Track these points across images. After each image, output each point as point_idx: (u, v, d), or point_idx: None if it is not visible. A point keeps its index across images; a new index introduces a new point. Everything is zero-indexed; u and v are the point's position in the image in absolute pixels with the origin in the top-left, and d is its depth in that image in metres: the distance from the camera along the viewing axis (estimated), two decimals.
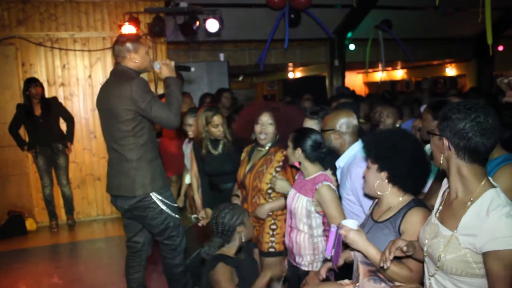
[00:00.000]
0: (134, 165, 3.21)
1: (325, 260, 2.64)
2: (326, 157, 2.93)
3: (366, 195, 2.47)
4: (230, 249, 2.85)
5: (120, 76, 3.18)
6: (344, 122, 2.94)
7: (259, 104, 3.58)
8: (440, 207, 1.91)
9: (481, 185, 1.72)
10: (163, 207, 3.27)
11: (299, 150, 2.85)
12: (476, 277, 1.71)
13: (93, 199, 6.90)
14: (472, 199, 1.72)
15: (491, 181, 1.76)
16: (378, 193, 2.25)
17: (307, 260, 2.87)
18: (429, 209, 2.17)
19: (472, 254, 1.69)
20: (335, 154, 3.09)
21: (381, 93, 8.81)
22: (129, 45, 3.20)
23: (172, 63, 3.28)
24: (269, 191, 3.23)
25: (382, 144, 2.22)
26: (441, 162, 1.80)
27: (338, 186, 2.93)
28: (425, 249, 1.89)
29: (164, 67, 3.23)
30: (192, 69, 3.44)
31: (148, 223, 3.33)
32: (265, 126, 3.26)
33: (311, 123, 3.19)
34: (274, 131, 3.28)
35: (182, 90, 3.30)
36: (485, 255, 1.64)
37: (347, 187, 2.80)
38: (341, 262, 2.39)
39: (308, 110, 3.34)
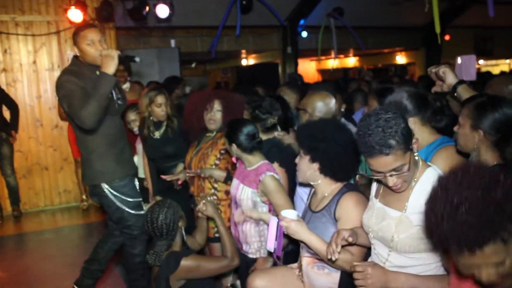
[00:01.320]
0: (86, 157, 3.25)
1: (269, 253, 2.65)
2: (262, 146, 2.88)
3: (302, 184, 2.49)
4: (175, 247, 2.70)
5: (67, 67, 3.15)
6: (316, 106, 2.84)
7: (207, 92, 3.57)
8: (381, 191, 1.99)
9: (421, 166, 1.88)
10: (112, 197, 3.24)
11: (234, 146, 2.83)
12: (429, 252, 1.82)
13: (40, 189, 6.68)
14: (415, 179, 1.86)
15: (428, 163, 1.94)
16: (311, 182, 2.30)
17: (254, 248, 2.90)
18: (361, 192, 2.24)
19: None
20: (281, 146, 3.06)
21: (335, 81, 8.89)
22: (74, 37, 3.10)
23: (116, 54, 2.99)
24: None
25: (314, 136, 2.25)
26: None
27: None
28: (372, 235, 1.98)
29: (104, 60, 2.97)
30: (137, 59, 3.16)
31: (106, 210, 3.36)
32: (214, 113, 3.30)
33: (246, 112, 3.18)
34: (221, 118, 3.32)
35: (111, 88, 3.00)
36: None
37: None
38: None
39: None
